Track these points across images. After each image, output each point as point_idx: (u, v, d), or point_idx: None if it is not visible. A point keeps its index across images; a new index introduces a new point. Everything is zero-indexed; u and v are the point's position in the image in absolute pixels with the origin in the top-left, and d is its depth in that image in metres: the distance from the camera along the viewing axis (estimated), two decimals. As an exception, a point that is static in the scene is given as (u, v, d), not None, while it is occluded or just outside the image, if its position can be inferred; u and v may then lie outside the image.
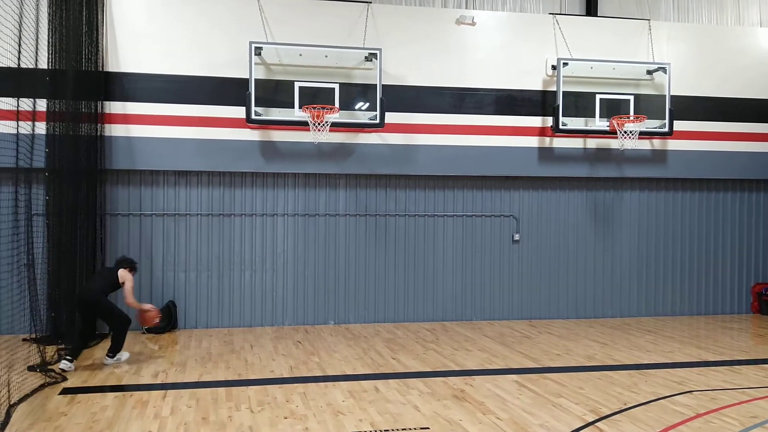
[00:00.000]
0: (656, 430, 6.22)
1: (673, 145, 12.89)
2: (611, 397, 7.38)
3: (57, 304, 10.19)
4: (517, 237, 12.77)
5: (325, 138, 11.12)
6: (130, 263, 9.26)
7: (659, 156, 12.89)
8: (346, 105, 11.50)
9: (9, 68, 8.57)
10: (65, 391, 7.53)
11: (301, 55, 11.41)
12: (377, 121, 11.43)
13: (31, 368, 8.27)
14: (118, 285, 8.94)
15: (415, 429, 6.29)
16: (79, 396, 7.36)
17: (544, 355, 9.63)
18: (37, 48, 8.94)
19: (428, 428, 6.31)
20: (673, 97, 12.54)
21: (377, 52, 11.45)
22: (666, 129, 12.48)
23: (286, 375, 8.39)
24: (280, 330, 11.46)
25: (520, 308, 12.80)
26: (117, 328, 8.89)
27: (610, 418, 6.61)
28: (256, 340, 10.54)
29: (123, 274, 8.97)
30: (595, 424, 6.42)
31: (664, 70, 12.50)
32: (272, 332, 11.26)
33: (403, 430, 6.27)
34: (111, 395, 7.41)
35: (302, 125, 11.15)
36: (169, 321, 11.17)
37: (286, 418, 6.62)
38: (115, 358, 8.91)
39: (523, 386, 7.84)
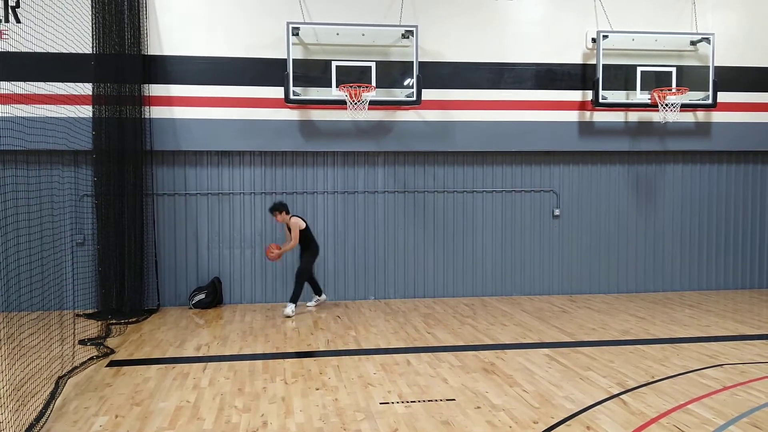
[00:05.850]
0: (680, 402, 6.25)
1: (717, 117, 12.64)
2: (640, 370, 7.41)
3: (107, 281, 10.65)
4: (557, 212, 12.74)
5: (363, 116, 11.28)
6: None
7: (703, 128, 12.67)
8: (383, 83, 11.59)
9: (55, 53, 8.96)
10: (112, 364, 7.91)
11: (338, 34, 11.54)
12: (414, 98, 11.50)
13: (82, 342, 8.72)
14: None
15: (441, 400, 6.45)
16: (125, 368, 7.73)
17: (579, 329, 9.66)
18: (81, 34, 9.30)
19: (454, 399, 6.46)
20: (717, 68, 12.29)
21: (414, 29, 11.50)
22: (710, 101, 12.24)
23: (322, 348, 8.64)
24: (321, 305, 11.72)
25: (560, 284, 12.81)
26: None
27: (635, 390, 6.66)
28: (297, 315, 10.82)
29: None
30: (620, 396, 6.49)
31: (708, 40, 12.23)
32: (313, 307, 11.52)
33: (429, 401, 6.44)
34: (154, 367, 7.77)
35: (340, 104, 11.32)
36: (214, 297, 11.54)
37: (317, 389, 6.86)
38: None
39: (554, 360, 7.92)
